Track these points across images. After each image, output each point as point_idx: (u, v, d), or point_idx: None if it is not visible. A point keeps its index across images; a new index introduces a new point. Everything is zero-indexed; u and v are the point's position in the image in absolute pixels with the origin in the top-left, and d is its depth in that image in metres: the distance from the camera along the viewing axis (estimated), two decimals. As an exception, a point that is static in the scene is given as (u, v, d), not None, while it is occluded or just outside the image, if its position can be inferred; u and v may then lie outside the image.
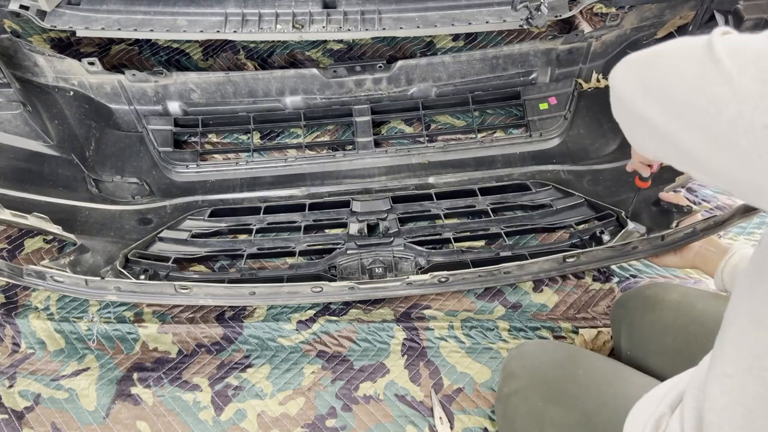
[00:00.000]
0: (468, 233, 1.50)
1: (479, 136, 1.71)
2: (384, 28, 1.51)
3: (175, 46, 2.04)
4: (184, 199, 1.58)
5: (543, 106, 1.71)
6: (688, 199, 1.56)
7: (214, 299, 1.24)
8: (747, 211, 1.23)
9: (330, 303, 1.44)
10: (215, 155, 1.72)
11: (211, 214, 1.54)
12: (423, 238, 1.46)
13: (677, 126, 0.54)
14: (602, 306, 1.44)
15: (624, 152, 1.56)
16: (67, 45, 2.03)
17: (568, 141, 1.67)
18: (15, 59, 1.52)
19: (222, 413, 1.29)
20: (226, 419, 1.28)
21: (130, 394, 1.31)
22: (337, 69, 1.68)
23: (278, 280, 1.38)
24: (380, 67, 1.70)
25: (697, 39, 0.52)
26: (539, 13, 1.43)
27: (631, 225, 1.36)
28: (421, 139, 1.72)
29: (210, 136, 1.77)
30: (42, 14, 1.45)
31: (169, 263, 1.41)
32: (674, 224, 1.30)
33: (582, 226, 1.47)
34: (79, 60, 1.56)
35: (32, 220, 1.26)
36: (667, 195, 1.37)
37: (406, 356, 1.36)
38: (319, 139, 1.77)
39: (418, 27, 1.52)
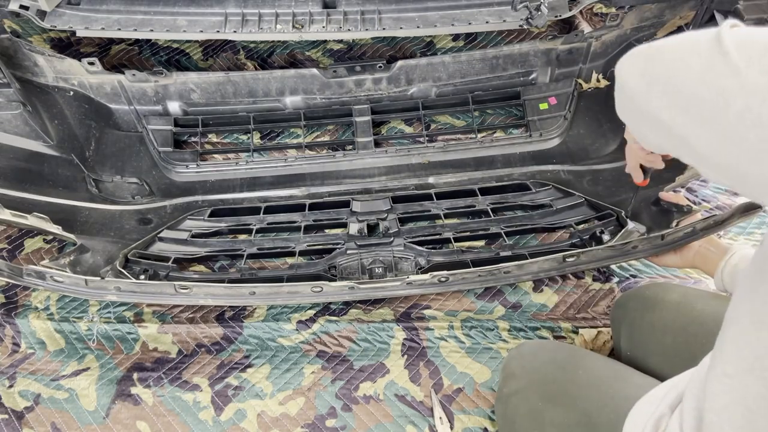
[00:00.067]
0: (468, 233, 1.50)
1: (479, 136, 1.71)
2: (384, 28, 1.51)
3: (175, 46, 2.04)
4: (184, 199, 1.58)
5: (543, 106, 1.71)
6: (687, 198, 1.56)
7: (214, 299, 1.24)
8: (747, 210, 1.23)
9: (330, 303, 1.44)
10: (215, 155, 1.72)
11: (211, 214, 1.54)
12: (423, 238, 1.46)
13: (683, 119, 0.54)
14: (602, 306, 1.44)
15: (624, 152, 1.56)
16: (67, 45, 2.03)
17: (568, 141, 1.67)
18: (15, 59, 1.52)
19: (222, 413, 1.29)
20: (226, 419, 1.28)
21: (130, 394, 1.31)
22: (337, 69, 1.68)
23: (278, 280, 1.38)
24: (380, 67, 1.70)
25: (704, 32, 0.52)
26: (539, 13, 1.43)
27: (631, 224, 1.36)
28: (421, 139, 1.72)
29: (210, 136, 1.77)
30: (42, 14, 1.45)
31: (169, 263, 1.41)
32: (674, 224, 1.30)
33: (582, 225, 1.47)
34: (79, 60, 1.56)
35: (32, 220, 1.26)
36: (667, 195, 1.37)
37: (406, 356, 1.36)
38: (319, 139, 1.77)
39: (418, 27, 1.52)
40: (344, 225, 1.52)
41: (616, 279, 1.48)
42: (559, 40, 1.67)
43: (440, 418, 1.26)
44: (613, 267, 1.50)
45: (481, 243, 1.52)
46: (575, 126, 1.68)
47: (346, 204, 1.55)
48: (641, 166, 1.11)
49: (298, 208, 1.55)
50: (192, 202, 1.58)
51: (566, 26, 1.97)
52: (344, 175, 1.65)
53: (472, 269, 1.22)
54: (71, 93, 1.62)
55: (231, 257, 1.50)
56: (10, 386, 1.32)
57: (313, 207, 1.55)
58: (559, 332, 1.39)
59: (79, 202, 1.48)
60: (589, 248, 1.25)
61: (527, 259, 1.31)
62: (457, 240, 1.46)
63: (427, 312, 1.43)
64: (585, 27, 1.85)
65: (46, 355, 1.37)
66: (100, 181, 1.56)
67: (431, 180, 1.62)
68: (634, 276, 1.49)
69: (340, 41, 2.05)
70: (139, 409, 1.29)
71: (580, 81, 1.72)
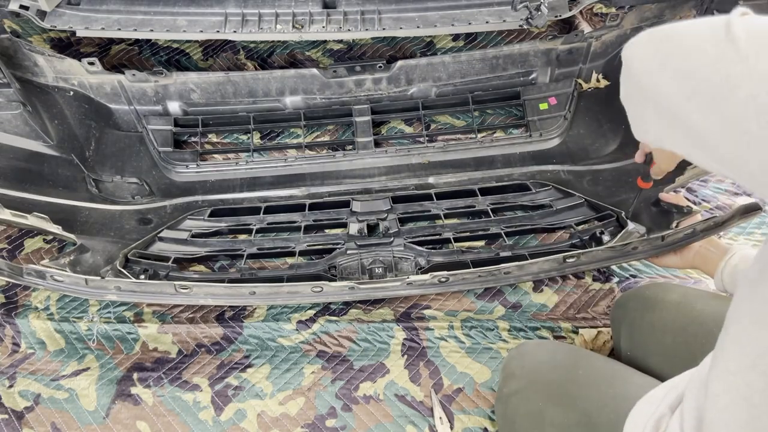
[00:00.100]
0: (468, 233, 1.50)
1: (479, 136, 1.71)
2: (384, 28, 1.51)
3: (175, 46, 2.04)
4: (184, 199, 1.58)
5: (543, 106, 1.71)
6: (688, 199, 1.56)
7: (214, 299, 1.24)
8: (747, 212, 1.23)
9: (330, 303, 1.44)
10: (215, 155, 1.72)
11: (211, 214, 1.54)
12: (423, 238, 1.46)
13: (690, 104, 0.54)
14: (602, 306, 1.44)
15: (624, 152, 1.57)
16: (67, 45, 2.03)
17: (568, 141, 1.67)
18: (15, 59, 1.52)
19: (222, 413, 1.29)
20: (226, 419, 1.28)
21: (130, 394, 1.31)
22: (337, 69, 1.68)
23: (278, 280, 1.38)
24: (380, 67, 1.70)
25: (717, 18, 0.52)
26: (539, 13, 1.43)
27: (631, 225, 1.36)
28: (421, 139, 1.72)
29: (210, 136, 1.77)
30: (42, 14, 1.45)
31: (169, 263, 1.41)
32: (674, 225, 1.30)
33: (582, 226, 1.47)
34: (79, 60, 1.56)
35: (32, 220, 1.26)
36: (667, 195, 1.37)
37: (406, 356, 1.36)
38: (319, 139, 1.77)
39: (418, 27, 1.52)
40: (344, 225, 1.52)
41: (616, 279, 1.48)
42: (559, 40, 1.67)
43: (440, 418, 1.26)
44: (613, 267, 1.50)
45: (481, 243, 1.52)
46: (575, 126, 1.68)
47: (346, 204, 1.55)
48: (646, 171, 1.11)
49: (298, 208, 1.55)
50: (192, 202, 1.58)
51: (566, 26, 1.97)
52: (344, 175, 1.65)
53: (472, 270, 1.22)
54: (71, 93, 1.62)
55: (231, 257, 1.50)
56: (10, 386, 1.32)
57: (313, 207, 1.55)
58: (559, 332, 1.39)
59: (79, 202, 1.48)
60: (589, 249, 1.25)
61: (527, 259, 1.32)
62: (457, 240, 1.46)
63: (427, 312, 1.43)
64: (585, 27, 1.85)
65: (46, 355, 1.37)
66: (100, 181, 1.56)
67: (431, 180, 1.62)
68: (634, 276, 1.49)
69: (340, 41, 2.05)
70: (139, 409, 1.29)
71: (580, 81, 1.72)
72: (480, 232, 1.50)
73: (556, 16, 1.50)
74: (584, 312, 1.43)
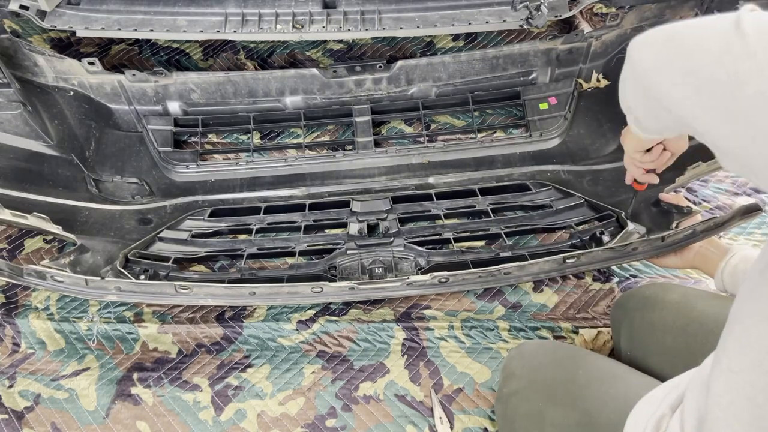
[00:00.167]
0: (468, 233, 1.50)
1: (479, 136, 1.71)
2: (384, 28, 1.51)
3: (175, 46, 2.04)
4: (184, 199, 1.58)
5: (543, 106, 1.71)
6: (688, 199, 1.56)
7: (214, 299, 1.24)
8: (747, 212, 1.23)
9: (330, 303, 1.44)
10: (215, 155, 1.72)
11: (211, 214, 1.54)
12: (423, 239, 1.46)
13: (695, 100, 0.54)
14: (602, 306, 1.44)
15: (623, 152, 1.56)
16: (67, 45, 2.03)
17: (568, 141, 1.67)
18: (15, 59, 1.52)
19: (222, 413, 1.29)
20: (226, 419, 1.28)
21: (130, 394, 1.31)
22: (337, 69, 1.68)
23: (278, 280, 1.38)
24: (380, 67, 1.70)
25: (724, 15, 0.52)
26: (539, 13, 1.43)
27: (631, 226, 1.36)
28: (421, 139, 1.72)
29: (210, 136, 1.77)
30: (42, 14, 1.45)
31: (169, 263, 1.41)
32: (674, 225, 1.30)
33: (582, 226, 1.47)
34: (79, 60, 1.56)
35: (32, 220, 1.26)
36: (667, 196, 1.37)
37: (406, 356, 1.36)
38: (319, 139, 1.77)
39: (418, 27, 1.52)
40: (344, 225, 1.52)
41: (616, 279, 1.48)
42: (559, 40, 1.67)
43: (440, 418, 1.26)
44: (613, 267, 1.50)
45: (481, 243, 1.52)
46: (575, 126, 1.68)
47: (346, 204, 1.55)
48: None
49: (298, 208, 1.55)
50: (192, 202, 1.58)
51: (566, 26, 1.97)
52: (344, 175, 1.65)
53: (472, 270, 1.22)
54: (71, 93, 1.62)
55: (231, 257, 1.50)
56: (10, 386, 1.32)
57: (313, 207, 1.55)
58: (559, 332, 1.39)
59: (79, 202, 1.48)
60: (590, 249, 1.25)
61: (527, 259, 1.32)
62: (457, 240, 1.46)
63: (427, 312, 1.43)
64: (585, 27, 1.85)
65: (46, 355, 1.37)
66: (100, 181, 1.56)
67: (431, 180, 1.62)
68: (634, 276, 1.49)
69: (340, 41, 2.05)
70: (139, 409, 1.29)
71: (580, 81, 1.72)
72: (480, 233, 1.50)
73: (556, 16, 1.50)
74: (584, 312, 1.43)
